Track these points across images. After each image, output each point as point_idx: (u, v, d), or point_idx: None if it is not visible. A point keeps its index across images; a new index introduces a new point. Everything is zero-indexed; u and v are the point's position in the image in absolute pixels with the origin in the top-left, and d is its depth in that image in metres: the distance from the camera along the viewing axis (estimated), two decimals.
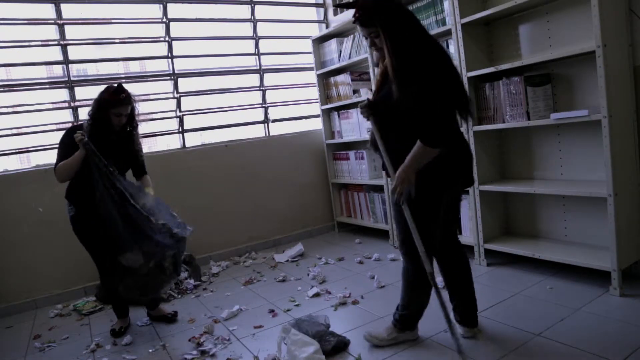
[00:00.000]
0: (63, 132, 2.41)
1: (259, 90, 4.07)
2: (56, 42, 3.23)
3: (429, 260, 1.82)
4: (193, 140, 3.78)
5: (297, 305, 2.61)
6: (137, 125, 2.47)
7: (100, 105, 2.27)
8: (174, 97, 3.67)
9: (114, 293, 2.35)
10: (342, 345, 2.03)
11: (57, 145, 2.35)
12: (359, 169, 3.84)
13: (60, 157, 2.29)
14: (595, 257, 2.34)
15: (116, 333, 2.45)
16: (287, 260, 3.51)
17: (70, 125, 3.26)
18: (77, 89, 3.28)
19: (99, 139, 2.27)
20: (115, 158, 2.34)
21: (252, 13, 4.01)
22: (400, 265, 3.08)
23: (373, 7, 1.74)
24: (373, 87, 1.92)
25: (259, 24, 4.04)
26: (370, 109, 1.93)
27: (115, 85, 2.30)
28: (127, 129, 2.42)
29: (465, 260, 2.03)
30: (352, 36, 3.82)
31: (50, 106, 3.27)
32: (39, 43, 3.22)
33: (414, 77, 1.68)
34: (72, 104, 3.27)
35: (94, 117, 2.29)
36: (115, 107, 2.27)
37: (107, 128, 2.32)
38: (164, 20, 3.60)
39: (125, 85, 2.33)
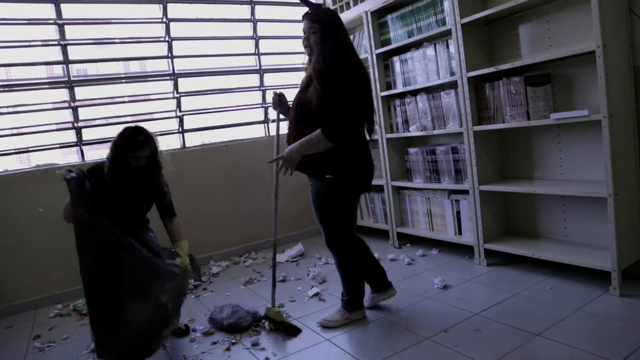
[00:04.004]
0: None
1: (259, 90, 4.07)
2: (56, 42, 3.23)
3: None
4: (193, 140, 3.78)
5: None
6: (161, 166, 2.31)
7: (118, 149, 2.15)
8: (174, 97, 3.67)
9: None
10: (258, 319, 2.38)
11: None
12: None
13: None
14: (595, 257, 2.34)
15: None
16: (287, 260, 3.51)
17: (70, 125, 3.27)
18: (77, 89, 3.28)
19: (119, 180, 2.18)
20: (137, 197, 2.27)
21: (252, 13, 4.00)
22: (400, 265, 3.10)
23: (323, 12, 2.03)
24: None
25: (259, 24, 4.04)
26: (280, 100, 2.31)
27: (133, 126, 2.19)
28: (148, 169, 2.26)
29: (359, 251, 2.32)
30: (352, 36, 3.82)
31: (50, 106, 3.26)
32: (39, 43, 3.22)
33: (333, 80, 1.95)
34: (72, 104, 3.27)
35: (113, 161, 2.16)
36: (133, 150, 2.14)
37: (126, 171, 2.18)
38: (164, 20, 3.60)
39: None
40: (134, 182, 2.23)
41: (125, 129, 2.19)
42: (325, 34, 1.99)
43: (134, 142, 2.14)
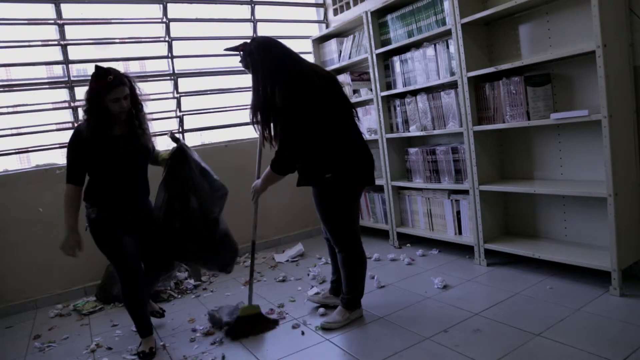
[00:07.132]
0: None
1: None
2: (56, 42, 3.23)
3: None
4: (193, 140, 3.78)
5: None
6: (142, 107, 2.15)
7: (92, 97, 1.98)
8: (174, 97, 3.67)
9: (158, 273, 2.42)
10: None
11: (67, 148, 2.08)
12: None
13: (71, 162, 2.05)
14: (595, 257, 2.34)
15: (147, 355, 2.14)
16: (287, 260, 3.51)
17: (71, 125, 3.27)
18: (77, 89, 3.28)
19: (103, 136, 2.02)
20: (128, 155, 2.12)
21: (252, 13, 4.01)
22: (400, 265, 3.10)
23: (251, 51, 2.05)
24: None
25: (259, 24, 4.04)
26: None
27: (99, 69, 2.01)
28: (132, 115, 2.12)
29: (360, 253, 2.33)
30: (352, 36, 3.82)
31: (50, 106, 3.26)
32: (39, 43, 3.22)
33: (273, 112, 2.04)
34: (72, 104, 3.27)
35: (91, 112, 2.00)
36: (108, 93, 1.97)
37: (108, 121, 2.03)
38: (164, 20, 3.60)
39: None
40: (120, 139, 2.09)
41: (93, 75, 2.01)
42: (253, 70, 2.06)
43: (106, 85, 1.97)
